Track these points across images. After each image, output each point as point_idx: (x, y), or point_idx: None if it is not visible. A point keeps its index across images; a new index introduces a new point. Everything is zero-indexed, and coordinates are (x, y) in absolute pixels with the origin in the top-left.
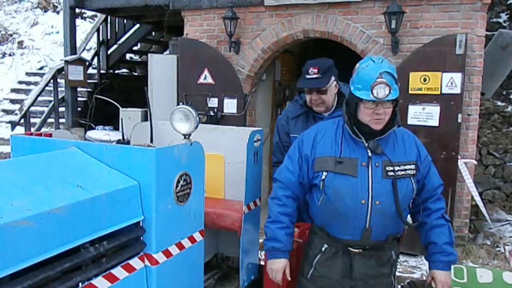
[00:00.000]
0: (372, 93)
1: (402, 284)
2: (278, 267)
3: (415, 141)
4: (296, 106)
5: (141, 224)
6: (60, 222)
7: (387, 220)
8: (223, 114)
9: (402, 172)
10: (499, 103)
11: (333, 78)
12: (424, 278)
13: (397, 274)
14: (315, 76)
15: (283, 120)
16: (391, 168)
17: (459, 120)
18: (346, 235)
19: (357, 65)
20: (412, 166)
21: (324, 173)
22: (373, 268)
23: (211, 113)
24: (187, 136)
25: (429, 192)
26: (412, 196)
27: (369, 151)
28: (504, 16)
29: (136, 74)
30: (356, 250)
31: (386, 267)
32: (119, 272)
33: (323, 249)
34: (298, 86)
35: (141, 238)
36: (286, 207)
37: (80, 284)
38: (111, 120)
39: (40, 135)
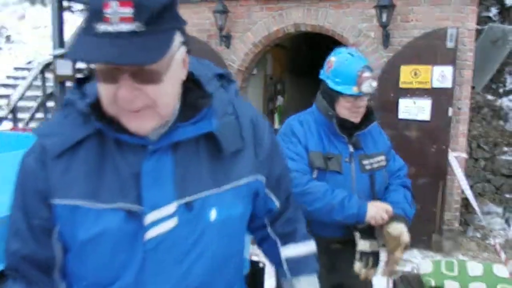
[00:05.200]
0: (360, 88)
1: (394, 278)
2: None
3: (380, 130)
4: (77, 120)
5: None
6: None
7: None
8: None
9: (378, 164)
10: (489, 96)
11: (178, 35)
12: (415, 271)
13: None
14: (125, 27)
15: (35, 170)
16: (367, 162)
17: (450, 114)
18: (327, 232)
19: (332, 58)
20: (383, 157)
21: (315, 171)
22: (352, 262)
23: None
24: None
25: (389, 173)
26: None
27: (350, 146)
28: (494, 11)
29: None
30: (338, 246)
31: None
32: None
33: None
34: (69, 57)
35: None
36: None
37: None
38: None
39: (24, 130)
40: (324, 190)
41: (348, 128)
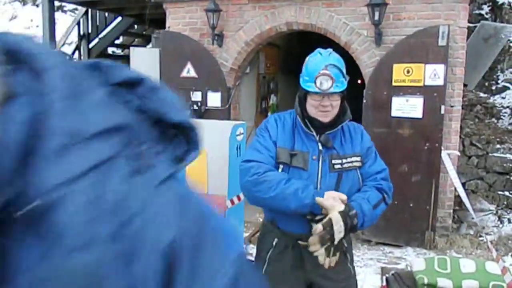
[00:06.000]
0: (315, 84)
1: (387, 275)
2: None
3: (362, 133)
4: None
5: None
6: None
7: None
8: (206, 108)
9: (349, 165)
10: (481, 94)
11: None
12: (409, 268)
13: (382, 265)
14: None
15: None
16: (338, 161)
17: (442, 112)
18: (295, 228)
19: (307, 58)
20: (358, 158)
21: (281, 166)
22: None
23: (195, 107)
24: None
25: (365, 176)
26: (359, 186)
27: (319, 144)
28: (486, 8)
29: None
30: (305, 243)
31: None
32: None
33: (274, 243)
34: None
35: None
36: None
37: None
38: None
39: None
40: (280, 179)
41: (318, 127)
